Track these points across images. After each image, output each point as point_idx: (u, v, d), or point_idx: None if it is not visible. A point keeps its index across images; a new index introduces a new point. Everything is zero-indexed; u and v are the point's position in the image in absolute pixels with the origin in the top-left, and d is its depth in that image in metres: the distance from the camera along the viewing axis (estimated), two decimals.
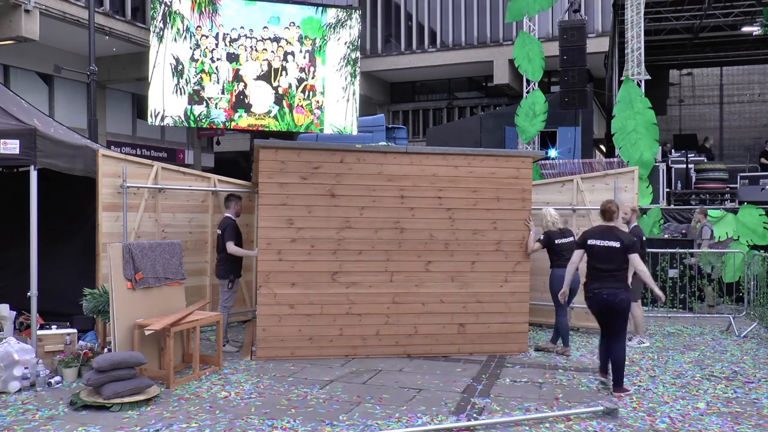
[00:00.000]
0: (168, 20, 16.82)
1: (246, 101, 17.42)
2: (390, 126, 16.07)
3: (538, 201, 8.35)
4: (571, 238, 7.29)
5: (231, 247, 7.17)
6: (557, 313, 7.30)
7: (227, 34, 17.21)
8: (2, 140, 5.75)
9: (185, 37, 16.95)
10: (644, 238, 7.64)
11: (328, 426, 4.78)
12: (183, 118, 17.08)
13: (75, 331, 6.43)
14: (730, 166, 14.65)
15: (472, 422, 4.89)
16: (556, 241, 7.23)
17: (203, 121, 17.18)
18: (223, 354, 6.69)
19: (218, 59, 17.11)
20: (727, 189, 13.53)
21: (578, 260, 6.05)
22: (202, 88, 17.03)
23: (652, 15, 16.29)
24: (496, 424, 4.87)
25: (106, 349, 6.21)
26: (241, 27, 17.29)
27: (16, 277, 7.33)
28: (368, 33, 29.98)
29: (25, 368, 5.59)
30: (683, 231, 11.28)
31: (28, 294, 6.01)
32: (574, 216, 8.49)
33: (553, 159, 15.29)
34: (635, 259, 5.71)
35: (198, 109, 16.98)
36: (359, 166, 6.96)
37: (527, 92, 15.91)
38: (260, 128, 17.59)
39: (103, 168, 6.92)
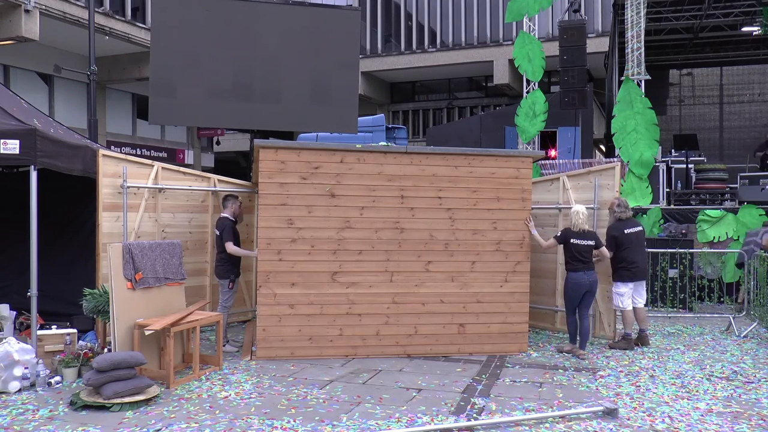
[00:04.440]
0: None
1: None
2: (390, 126, 16.06)
3: None
4: (591, 242, 7.06)
5: (230, 248, 7.16)
6: (568, 314, 7.22)
7: None
8: (2, 140, 5.75)
9: None
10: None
11: (328, 426, 4.78)
12: None
13: (75, 331, 6.43)
14: (730, 166, 14.63)
15: (472, 422, 4.89)
16: (571, 240, 7.02)
17: None
18: (223, 354, 6.69)
19: None
20: (727, 189, 13.52)
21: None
22: None
23: (652, 15, 16.26)
24: (496, 424, 4.87)
25: (106, 349, 6.21)
26: None
27: (16, 277, 7.34)
28: (368, 33, 29.98)
29: (25, 368, 5.59)
30: (683, 231, 11.27)
31: (28, 294, 6.01)
32: (560, 215, 8.24)
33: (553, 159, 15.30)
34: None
35: None
36: (359, 166, 6.96)
37: (527, 92, 15.92)
38: None
39: (103, 168, 6.92)
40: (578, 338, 7.18)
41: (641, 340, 7.63)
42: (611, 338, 7.82)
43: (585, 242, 7.06)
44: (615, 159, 13.14)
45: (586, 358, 7.00)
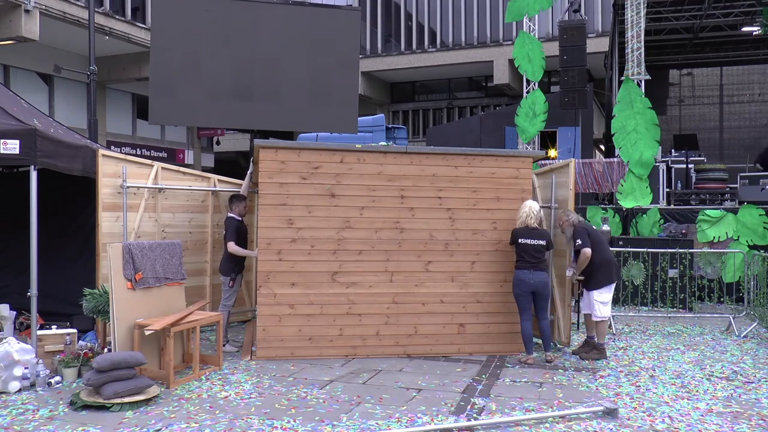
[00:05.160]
0: None
1: None
2: (390, 126, 16.07)
3: None
4: (542, 241, 6.80)
5: (231, 247, 7.18)
6: (521, 317, 6.92)
7: None
8: (2, 140, 5.75)
9: None
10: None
11: (328, 426, 4.78)
12: None
13: (75, 331, 6.43)
14: (730, 166, 14.64)
15: (472, 422, 4.89)
16: (519, 240, 6.81)
17: None
18: (223, 354, 6.69)
19: None
20: (727, 189, 13.53)
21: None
22: None
23: (652, 15, 16.28)
24: (496, 424, 4.87)
25: (106, 349, 6.21)
26: None
27: (16, 277, 7.34)
28: (368, 33, 29.99)
29: (25, 368, 5.59)
30: (683, 231, 11.28)
31: (28, 294, 6.01)
32: None
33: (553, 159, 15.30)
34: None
35: None
36: (359, 166, 6.97)
37: (527, 92, 15.92)
38: None
39: (103, 168, 6.92)
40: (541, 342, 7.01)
41: (594, 347, 7.10)
42: (565, 344, 7.50)
43: (535, 242, 6.78)
44: (615, 159, 13.15)
45: (553, 360, 6.83)
